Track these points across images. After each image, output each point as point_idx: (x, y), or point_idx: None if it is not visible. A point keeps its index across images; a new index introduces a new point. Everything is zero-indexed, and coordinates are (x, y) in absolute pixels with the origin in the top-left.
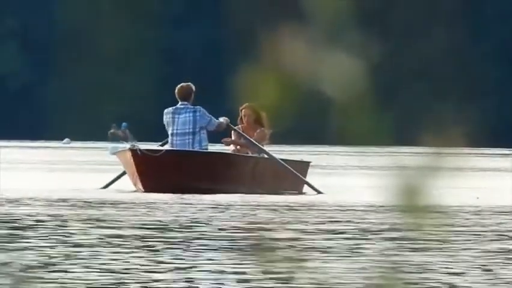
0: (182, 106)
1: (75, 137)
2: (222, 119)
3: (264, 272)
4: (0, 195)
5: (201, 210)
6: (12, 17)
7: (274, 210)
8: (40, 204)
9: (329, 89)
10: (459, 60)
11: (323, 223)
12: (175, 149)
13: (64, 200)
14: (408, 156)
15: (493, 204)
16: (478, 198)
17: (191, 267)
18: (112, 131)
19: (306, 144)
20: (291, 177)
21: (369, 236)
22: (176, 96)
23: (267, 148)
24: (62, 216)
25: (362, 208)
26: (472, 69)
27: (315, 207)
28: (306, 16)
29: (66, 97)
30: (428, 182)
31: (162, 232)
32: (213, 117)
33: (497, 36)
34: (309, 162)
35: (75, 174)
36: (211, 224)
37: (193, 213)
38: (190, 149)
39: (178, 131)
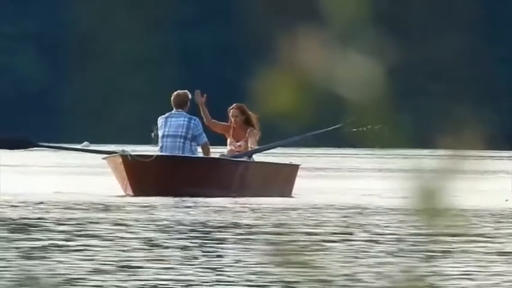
0: (177, 112)
1: (94, 140)
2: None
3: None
4: (13, 199)
5: (223, 211)
6: (29, 21)
7: (292, 211)
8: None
9: (345, 91)
10: (476, 62)
11: (338, 225)
12: (165, 154)
13: (77, 204)
14: (427, 158)
15: None
16: (507, 200)
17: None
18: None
19: (322, 147)
20: (281, 181)
21: (385, 239)
22: (172, 103)
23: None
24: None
25: (377, 211)
26: (490, 71)
27: (328, 209)
28: (323, 18)
29: (83, 100)
30: (447, 185)
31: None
32: (204, 135)
33: None
34: (298, 165)
35: (92, 177)
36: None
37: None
38: (180, 154)
39: (170, 133)
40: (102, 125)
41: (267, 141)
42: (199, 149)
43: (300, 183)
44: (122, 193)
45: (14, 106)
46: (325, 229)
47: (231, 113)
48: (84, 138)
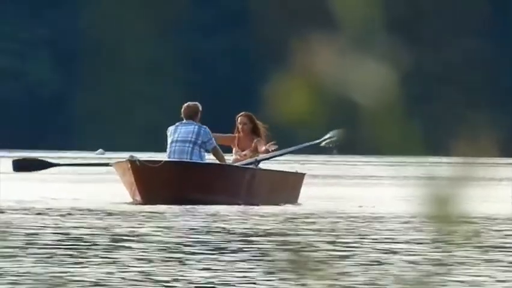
0: (187, 122)
1: (108, 147)
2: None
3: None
4: (21, 206)
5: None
6: (43, 27)
7: (307, 219)
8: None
9: (359, 97)
10: (490, 68)
11: (352, 233)
12: (173, 160)
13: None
14: (440, 165)
15: None
16: None
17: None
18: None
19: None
20: (288, 188)
21: (399, 247)
22: (182, 115)
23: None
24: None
25: (391, 219)
26: (502, 77)
27: (344, 217)
28: (336, 23)
29: (97, 106)
30: (461, 192)
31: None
32: (214, 140)
33: None
34: (304, 174)
35: (103, 185)
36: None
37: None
38: (188, 159)
39: (179, 138)
40: (116, 131)
41: (281, 147)
42: (208, 156)
43: (318, 190)
44: (130, 199)
45: (28, 111)
46: (337, 237)
47: (239, 120)
48: (98, 144)
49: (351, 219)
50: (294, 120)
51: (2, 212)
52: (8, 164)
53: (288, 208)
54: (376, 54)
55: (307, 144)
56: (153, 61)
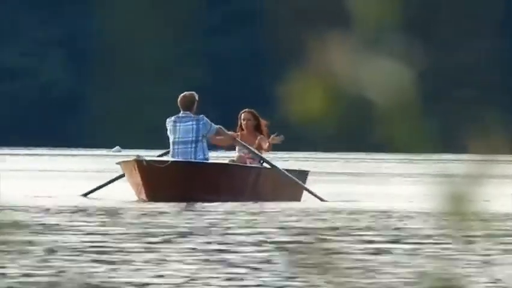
0: (184, 115)
1: (126, 145)
2: (229, 133)
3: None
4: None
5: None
6: (58, 26)
7: (320, 217)
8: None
9: (373, 95)
10: (504, 67)
11: (362, 231)
12: (180, 160)
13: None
14: (455, 163)
15: None
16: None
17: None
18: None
19: (351, 152)
20: (291, 187)
21: (416, 243)
22: (179, 105)
23: (266, 156)
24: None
25: (406, 215)
26: None
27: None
28: (351, 23)
29: (112, 105)
30: (476, 189)
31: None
32: (213, 124)
33: None
34: (307, 172)
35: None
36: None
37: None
38: (195, 160)
39: (180, 139)
40: (131, 130)
41: (294, 146)
42: (211, 153)
43: (339, 188)
44: (136, 198)
45: (42, 110)
46: (350, 234)
47: (242, 116)
48: (112, 142)
49: (372, 216)
50: (309, 120)
51: (18, 210)
52: (24, 161)
53: (310, 205)
54: (391, 54)
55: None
56: (166, 61)
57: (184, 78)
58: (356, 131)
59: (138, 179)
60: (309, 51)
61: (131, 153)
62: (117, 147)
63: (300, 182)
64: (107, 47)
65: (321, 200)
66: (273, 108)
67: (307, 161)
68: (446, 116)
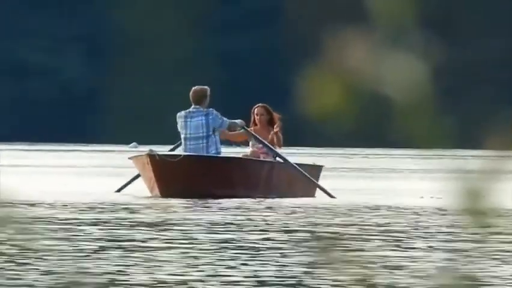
0: (194, 110)
1: (142, 141)
2: (237, 121)
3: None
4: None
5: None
6: (79, 22)
7: (333, 212)
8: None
9: (391, 92)
10: None
11: (380, 226)
12: (193, 154)
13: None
14: (473, 159)
15: None
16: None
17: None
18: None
19: (368, 147)
20: (304, 182)
21: (430, 239)
22: (190, 99)
23: (279, 150)
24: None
25: (424, 211)
26: None
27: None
28: (369, 19)
29: (131, 101)
30: (493, 185)
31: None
32: (225, 118)
33: None
34: (321, 166)
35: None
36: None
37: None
38: (208, 154)
39: (192, 135)
40: (149, 126)
41: (313, 141)
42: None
43: (356, 184)
44: (149, 194)
45: (62, 107)
46: (367, 229)
47: (256, 111)
48: (131, 139)
49: (389, 212)
50: (327, 116)
51: (37, 206)
52: (45, 156)
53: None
54: (410, 50)
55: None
56: (185, 58)
57: (203, 75)
58: (374, 127)
59: (151, 173)
60: (327, 48)
61: (147, 149)
62: (134, 143)
63: (311, 178)
64: (124, 43)
65: (331, 196)
66: (292, 104)
67: (324, 156)
68: (464, 112)
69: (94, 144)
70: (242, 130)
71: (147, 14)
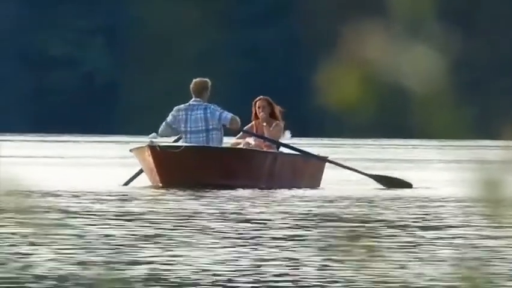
0: (195, 103)
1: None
2: (237, 118)
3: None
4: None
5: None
6: (100, 14)
7: (359, 203)
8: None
9: (411, 83)
10: None
11: (408, 217)
12: (194, 145)
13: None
14: (491, 150)
15: None
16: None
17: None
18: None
19: (387, 138)
20: (310, 172)
21: (450, 230)
22: (191, 91)
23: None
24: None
25: (443, 202)
26: None
27: (400, 200)
28: (388, 11)
29: (152, 94)
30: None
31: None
32: (224, 111)
33: None
34: (326, 157)
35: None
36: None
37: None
38: (209, 145)
39: (192, 129)
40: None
41: (333, 133)
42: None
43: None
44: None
45: (83, 99)
46: (385, 220)
47: (257, 104)
48: (152, 130)
49: (407, 202)
50: (346, 107)
51: (56, 197)
52: (71, 148)
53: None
54: (429, 42)
55: (354, 169)
56: (205, 51)
57: (222, 68)
58: (393, 117)
59: (152, 164)
60: (346, 39)
61: (166, 140)
62: (153, 134)
63: (340, 163)
64: (146, 35)
65: (406, 185)
66: (311, 96)
67: (342, 147)
68: (483, 103)
69: (114, 135)
70: (241, 133)
71: (168, 7)
